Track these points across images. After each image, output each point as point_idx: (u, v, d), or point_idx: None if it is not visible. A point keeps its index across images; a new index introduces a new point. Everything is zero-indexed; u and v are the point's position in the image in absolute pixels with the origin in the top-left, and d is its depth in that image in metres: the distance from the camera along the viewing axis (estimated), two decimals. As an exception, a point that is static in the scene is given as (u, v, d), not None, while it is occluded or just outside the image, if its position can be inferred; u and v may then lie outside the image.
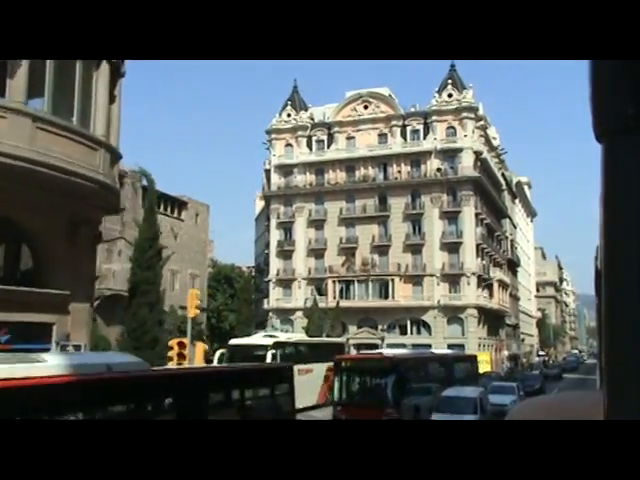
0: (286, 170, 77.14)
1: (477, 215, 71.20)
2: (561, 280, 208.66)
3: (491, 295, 73.57)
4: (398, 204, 71.81)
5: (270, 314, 75.60)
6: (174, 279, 79.01)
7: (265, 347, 28.79)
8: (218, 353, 31.86)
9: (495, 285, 73.76)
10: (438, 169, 70.56)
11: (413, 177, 71.79)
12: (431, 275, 69.90)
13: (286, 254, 75.99)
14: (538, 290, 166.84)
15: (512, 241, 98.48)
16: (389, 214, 72.06)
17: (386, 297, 70.31)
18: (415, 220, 71.42)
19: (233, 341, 32.34)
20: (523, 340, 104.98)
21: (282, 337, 33.83)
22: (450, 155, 71.04)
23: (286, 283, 75.81)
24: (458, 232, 69.62)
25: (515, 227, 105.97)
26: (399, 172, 72.27)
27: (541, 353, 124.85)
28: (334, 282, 72.10)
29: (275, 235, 76.74)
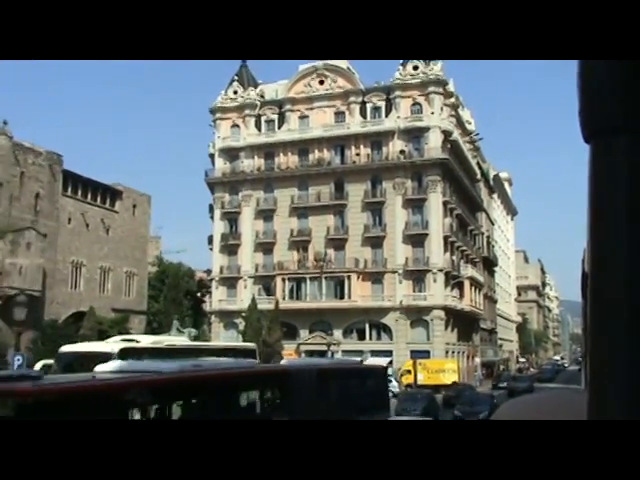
0: (232, 154, 68.23)
1: (446, 204, 62.67)
2: (544, 284, 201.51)
3: (462, 295, 65.00)
4: (356, 191, 63.14)
5: (212, 317, 66.52)
6: (105, 277, 69.74)
7: (107, 356, 19.86)
8: (39, 364, 22.89)
9: (466, 284, 65.22)
10: (401, 151, 62.00)
11: (373, 160, 63.20)
12: (393, 272, 61.22)
13: (231, 249, 66.99)
14: (519, 294, 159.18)
15: (489, 238, 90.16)
16: (346, 203, 63.37)
17: (342, 297, 61.54)
18: (375, 209, 62.76)
19: (65, 348, 23.30)
20: (501, 346, 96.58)
21: (146, 341, 25.04)
22: (415, 135, 62.54)
23: (230, 282, 66.77)
24: (423, 223, 61.07)
25: (493, 224, 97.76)
26: (358, 155, 63.62)
27: (521, 360, 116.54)
28: (283, 280, 63.21)
29: (219, 227, 67.72)
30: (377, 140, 63.46)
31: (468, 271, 65.21)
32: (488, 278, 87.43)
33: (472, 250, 74.50)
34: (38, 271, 56.76)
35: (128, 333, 62.27)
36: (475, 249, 78.05)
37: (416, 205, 61.62)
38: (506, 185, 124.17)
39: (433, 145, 61.29)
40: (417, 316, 60.07)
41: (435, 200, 60.90)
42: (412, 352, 59.38)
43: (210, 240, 68.39)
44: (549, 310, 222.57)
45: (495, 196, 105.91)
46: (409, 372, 55.90)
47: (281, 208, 65.51)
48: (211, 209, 68.55)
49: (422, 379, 54.78)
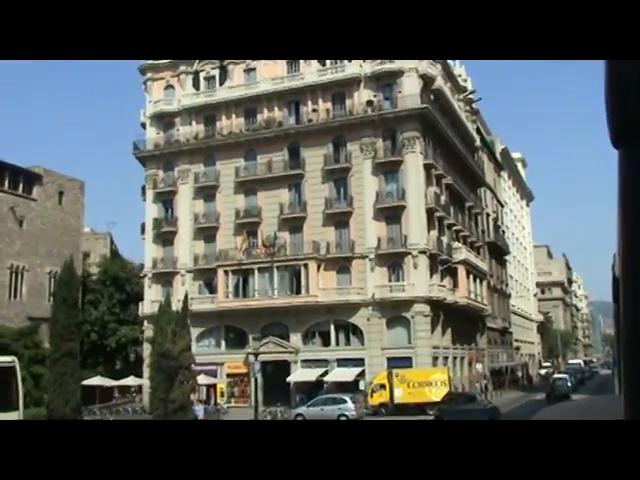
0: (166, 121, 55.33)
1: (429, 168, 48.95)
2: (570, 282, 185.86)
3: (455, 285, 51.07)
4: (315, 158, 49.79)
5: (145, 323, 53.41)
6: (18, 279, 57.15)
7: None
8: None
9: (461, 271, 51.25)
10: (369, 102, 48.48)
11: (335, 117, 49.78)
12: (362, 257, 47.60)
13: (166, 237, 53.95)
14: (543, 292, 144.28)
15: (496, 221, 75.93)
16: (303, 173, 50.01)
17: (298, 291, 48.04)
18: (339, 179, 49.29)
19: None
20: (518, 349, 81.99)
21: None
22: (386, 82, 49.02)
23: (166, 278, 53.67)
24: (399, 192, 47.40)
25: (502, 206, 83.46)
26: (315, 111, 50.25)
27: (545, 364, 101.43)
28: (226, 273, 49.92)
29: (151, 211, 54.76)
30: (339, 92, 50.06)
31: (462, 254, 51.21)
32: (497, 268, 73.25)
33: (471, 232, 60.50)
34: None
35: (36, 346, 49.78)
36: (477, 231, 64.02)
37: (389, 170, 48.01)
38: (520, 167, 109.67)
39: (408, 92, 47.68)
40: (394, 312, 46.33)
41: (413, 162, 47.22)
42: (390, 360, 45.75)
43: (143, 228, 55.47)
44: (577, 309, 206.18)
45: (505, 176, 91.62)
46: (383, 387, 42.15)
47: (225, 184, 52.38)
48: (144, 190, 55.64)
49: (401, 396, 41.12)
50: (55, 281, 59.50)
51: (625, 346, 0.73)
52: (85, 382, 43.43)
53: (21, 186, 56.40)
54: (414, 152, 47.23)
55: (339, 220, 48.58)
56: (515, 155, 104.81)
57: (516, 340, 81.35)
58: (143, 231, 55.22)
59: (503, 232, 79.44)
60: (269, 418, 36.45)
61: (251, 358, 44.39)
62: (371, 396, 41.98)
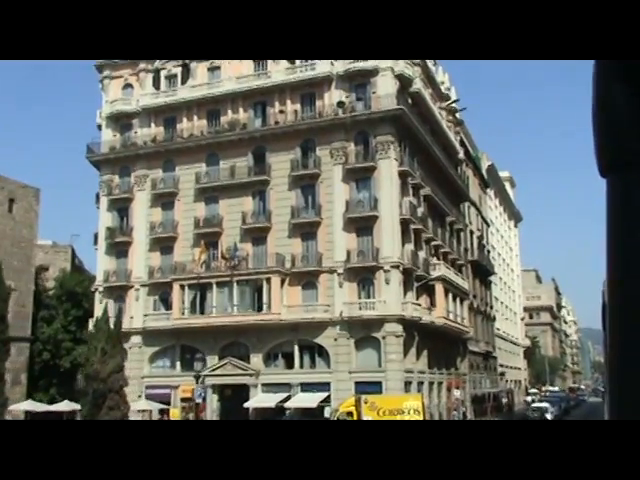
0: (123, 122, 51.29)
1: (404, 176, 45.05)
2: (559, 307, 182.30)
3: (432, 304, 46.87)
4: (282, 163, 45.82)
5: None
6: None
7: None
8: None
9: (438, 289, 47.08)
10: (340, 103, 44.66)
11: (303, 119, 45.90)
12: (330, 271, 43.43)
13: (119, 248, 49.59)
14: (531, 317, 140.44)
15: (481, 239, 72.06)
16: (268, 179, 45.98)
17: (260, 308, 43.72)
18: (307, 186, 45.29)
19: None
20: (502, 375, 77.61)
21: None
22: (359, 82, 45.29)
23: (118, 292, 49.19)
24: (371, 201, 43.41)
25: (488, 225, 79.71)
26: (282, 112, 46.36)
27: (532, 391, 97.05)
28: (182, 287, 45.54)
29: (105, 220, 50.44)
30: (309, 92, 46.27)
31: (440, 270, 47.10)
32: (481, 289, 69.21)
33: (452, 248, 56.52)
34: None
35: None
36: (459, 249, 60.07)
37: (361, 177, 44.05)
38: (508, 186, 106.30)
39: (383, 93, 43.92)
40: (364, 332, 42.07)
41: (387, 169, 43.32)
42: (358, 384, 41.41)
43: (96, 238, 51.12)
44: (566, 335, 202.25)
45: (492, 194, 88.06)
46: (350, 415, 37.61)
47: (184, 191, 48.25)
48: (98, 197, 51.39)
49: (370, 424, 36.46)
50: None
51: (610, 374, 0.72)
52: (12, 407, 38.74)
53: (-36, 192, 51.98)
54: (388, 158, 43.36)
55: (306, 231, 44.48)
56: (503, 174, 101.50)
57: (501, 365, 77.07)
58: (96, 241, 50.86)
59: (488, 252, 75.59)
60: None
61: (193, 381, 39.96)
62: (336, 425, 37.57)
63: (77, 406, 37.56)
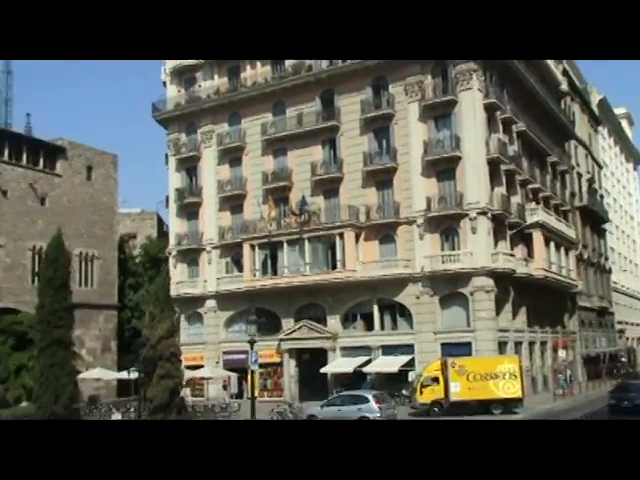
0: (187, 76, 48.61)
1: (492, 109, 39.41)
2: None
3: (530, 255, 41.24)
4: (352, 105, 41.45)
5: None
6: (36, 262, 52.24)
7: None
8: None
9: (537, 237, 41.30)
10: (412, 32, 39.42)
11: (373, 55, 41.07)
12: (409, 222, 38.92)
13: (190, 210, 47.36)
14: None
15: (592, 182, 64.26)
16: (338, 124, 41.78)
17: (334, 266, 40.05)
18: (380, 129, 40.72)
19: None
20: (622, 332, 69.91)
21: None
22: (434, 6, 39.76)
23: (192, 256, 47.13)
24: (453, 140, 38.24)
25: (600, 166, 71.33)
26: (350, 50, 41.74)
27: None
28: (252, 248, 42.63)
29: (175, 181, 48.31)
30: (378, 24, 41.28)
31: (538, 215, 41.23)
32: (593, 238, 61.91)
33: (555, 192, 50.05)
34: None
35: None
36: (563, 193, 53.37)
37: (440, 114, 38.88)
38: (625, 125, 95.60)
39: (461, 15, 38.22)
40: (450, 288, 37.43)
41: (469, 102, 37.90)
42: (444, 346, 37.03)
43: (167, 201, 49.20)
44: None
45: (605, 133, 78.94)
46: (435, 381, 33.24)
47: (251, 144, 45.04)
48: (167, 158, 49.30)
49: (459, 391, 32.06)
50: (88, 264, 54.97)
51: None
52: (83, 374, 37.63)
53: (42, 161, 51.38)
54: (470, 89, 37.89)
55: (381, 179, 40.07)
56: (619, 110, 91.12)
57: (619, 322, 69.36)
58: (168, 204, 48.94)
59: (601, 197, 67.56)
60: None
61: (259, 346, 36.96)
62: (420, 392, 33.24)
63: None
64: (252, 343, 26.68)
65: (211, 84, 46.93)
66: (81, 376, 37.49)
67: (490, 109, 39.04)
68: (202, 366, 43.16)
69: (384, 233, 39.62)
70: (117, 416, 27.05)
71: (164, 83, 49.77)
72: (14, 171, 49.03)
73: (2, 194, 47.96)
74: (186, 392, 33.41)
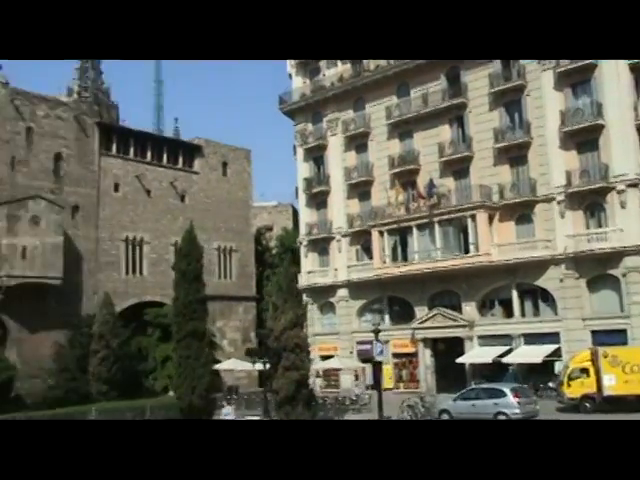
0: (311, 66, 48.39)
1: (637, 70, 35.38)
2: None
3: (692, 229, 36.58)
4: (479, 80, 39.10)
5: (304, 297, 47.30)
6: (180, 257, 54.42)
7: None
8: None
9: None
10: (543, -6, 36.30)
11: (501, 23, 38.35)
12: (548, 199, 36.01)
13: (319, 199, 47.20)
14: None
15: None
16: (465, 101, 39.60)
17: (467, 250, 38.06)
18: (511, 102, 38.04)
19: None
20: None
21: None
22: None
23: (322, 245, 46.97)
24: (594, 108, 34.79)
25: None
26: (475, 20, 39.29)
27: None
28: (381, 234, 41.61)
29: (303, 171, 48.36)
30: (505, -11, 38.50)
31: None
32: None
33: None
34: (55, 253, 43.06)
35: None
36: None
37: (578, 81, 35.52)
38: None
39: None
40: (598, 270, 34.15)
41: (612, 63, 34.22)
42: (595, 334, 33.87)
43: (297, 192, 49.42)
44: None
45: None
46: (585, 372, 30.23)
47: (376, 129, 43.95)
48: (295, 149, 49.49)
49: (613, 385, 28.87)
50: (226, 257, 56.76)
51: None
52: (217, 366, 38.52)
53: (180, 160, 53.62)
54: (612, 49, 34.16)
55: (514, 155, 37.42)
56: None
57: None
58: (297, 194, 49.14)
59: None
60: (408, 415, 27.60)
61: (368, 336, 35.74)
62: (568, 385, 30.37)
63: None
64: (377, 333, 25.71)
65: (335, 71, 46.38)
66: (216, 367, 38.52)
67: (636, 70, 35.05)
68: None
69: (520, 213, 37.00)
70: (228, 410, 27.04)
71: (289, 75, 49.92)
72: (156, 171, 51.47)
73: (147, 193, 50.51)
74: (316, 383, 33.13)
